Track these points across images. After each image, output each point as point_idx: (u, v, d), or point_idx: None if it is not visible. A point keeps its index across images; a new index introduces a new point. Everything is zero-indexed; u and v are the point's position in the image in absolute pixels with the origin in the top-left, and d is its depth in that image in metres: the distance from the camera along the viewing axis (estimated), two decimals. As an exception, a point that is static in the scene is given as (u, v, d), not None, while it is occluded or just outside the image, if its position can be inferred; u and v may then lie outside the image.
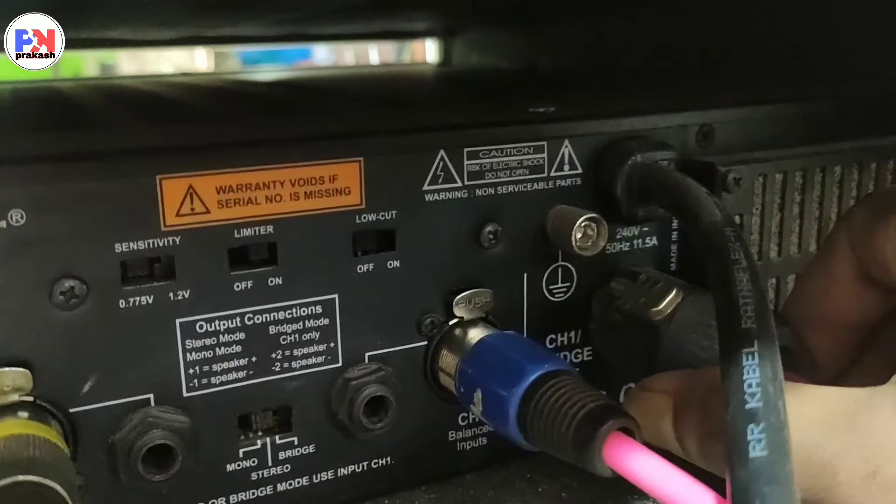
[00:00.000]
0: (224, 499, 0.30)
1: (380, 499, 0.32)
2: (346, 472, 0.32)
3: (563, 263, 0.34)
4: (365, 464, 0.32)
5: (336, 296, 0.30)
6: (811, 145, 0.36)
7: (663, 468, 0.23)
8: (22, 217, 0.26)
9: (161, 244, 0.27)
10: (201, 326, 0.29)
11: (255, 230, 0.29)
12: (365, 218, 0.30)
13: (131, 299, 0.27)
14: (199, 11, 0.65)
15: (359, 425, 0.30)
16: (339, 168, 0.29)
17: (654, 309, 0.31)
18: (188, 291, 0.28)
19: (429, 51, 1.04)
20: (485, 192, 0.32)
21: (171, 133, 0.31)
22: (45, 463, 0.24)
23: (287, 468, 0.31)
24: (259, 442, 0.30)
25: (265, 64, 1.29)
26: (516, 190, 0.32)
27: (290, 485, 0.31)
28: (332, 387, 0.31)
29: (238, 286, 0.29)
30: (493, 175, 0.32)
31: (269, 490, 0.31)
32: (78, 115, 0.34)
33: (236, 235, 0.28)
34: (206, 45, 1.02)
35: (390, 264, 0.31)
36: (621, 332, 0.33)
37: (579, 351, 0.35)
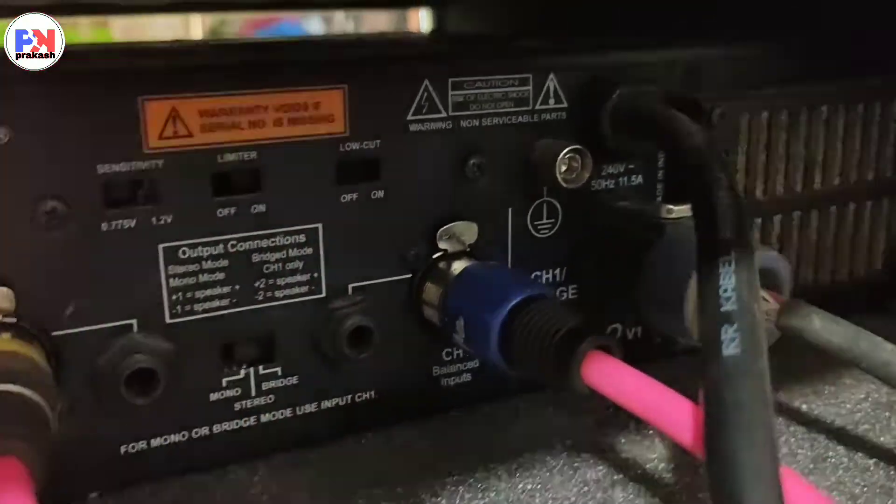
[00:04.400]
0: (207, 428, 0.30)
1: (363, 433, 0.32)
2: (329, 405, 0.32)
3: (548, 199, 0.34)
4: (349, 397, 0.32)
5: (319, 225, 0.30)
6: (798, 84, 0.36)
7: (641, 381, 0.23)
8: (5, 135, 0.25)
9: (144, 167, 0.27)
10: (184, 252, 0.29)
11: (238, 155, 0.29)
12: (349, 146, 0.30)
13: (114, 222, 0.27)
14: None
15: (342, 356, 0.31)
16: (323, 94, 0.29)
17: (666, 208, 0.31)
18: (171, 216, 0.28)
19: (423, 21, 1.03)
20: (469, 123, 0.32)
21: (154, 57, 0.30)
22: (25, 375, 0.24)
23: (271, 399, 0.31)
24: (242, 371, 0.30)
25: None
26: (501, 122, 0.32)
27: (274, 416, 0.31)
28: (315, 317, 0.31)
29: (221, 212, 0.29)
30: (477, 107, 0.32)
31: (252, 420, 0.31)
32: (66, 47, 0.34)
33: (220, 160, 0.28)
34: (198, 12, 1.02)
35: (374, 194, 0.31)
36: (619, 231, 0.32)
37: (564, 289, 0.35)
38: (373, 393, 0.33)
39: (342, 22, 1.32)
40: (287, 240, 0.30)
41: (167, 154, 0.28)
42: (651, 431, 0.31)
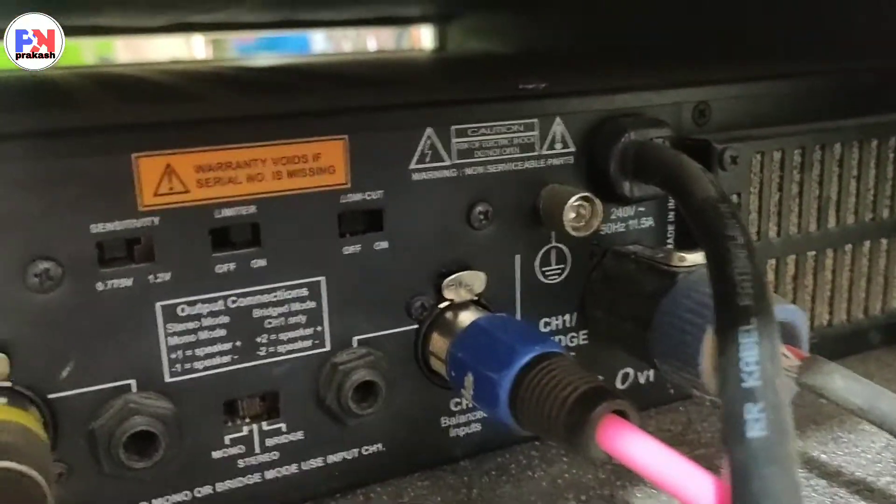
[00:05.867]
0: (210, 487, 0.29)
1: (372, 486, 0.32)
2: (336, 460, 0.31)
3: (556, 245, 0.33)
4: (356, 451, 0.31)
5: (322, 278, 0.29)
6: (810, 122, 0.35)
7: (660, 451, 0.22)
8: (-1, 195, 0.25)
9: (139, 225, 0.27)
10: (183, 310, 0.28)
11: (236, 210, 0.28)
12: (350, 198, 0.29)
13: (109, 282, 0.27)
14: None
15: (348, 411, 0.30)
16: (323, 146, 0.29)
17: (678, 255, 0.30)
18: (169, 274, 0.27)
19: (424, 37, 1.03)
20: (474, 171, 0.31)
21: (147, 110, 0.30)
22: (20, 449, 0.23)
23: (275, 455, 0.30)
24: (246, 429, 0.30)
25: (262, 52, 1.28)
26: (507, 169, 0.32)
27: (279, 472, 0.30)
28: (319, 372, 0.30)
29: (220, 268, 0.28)
30: (482, 153, 0.31)
31: (257, 478, 0.30)
32: (57, 96, 0.33)
33: (217, 216, 0.28)
34: (198, 32, 1.01)
35: (378, 245, 0.30)
36: (630, 278, 0.32)
37: (574, 335, 0.34)
38: (381, 446, 0.32)
39: (343, 36, 1.32)
40: (289, 294, 0.29)
41: (163, 211, 0.27)
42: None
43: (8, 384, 0.26)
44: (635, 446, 0.23)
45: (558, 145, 0.32)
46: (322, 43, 1.33)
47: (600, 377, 0.33)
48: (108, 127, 0.27)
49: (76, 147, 0.26)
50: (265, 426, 0.30)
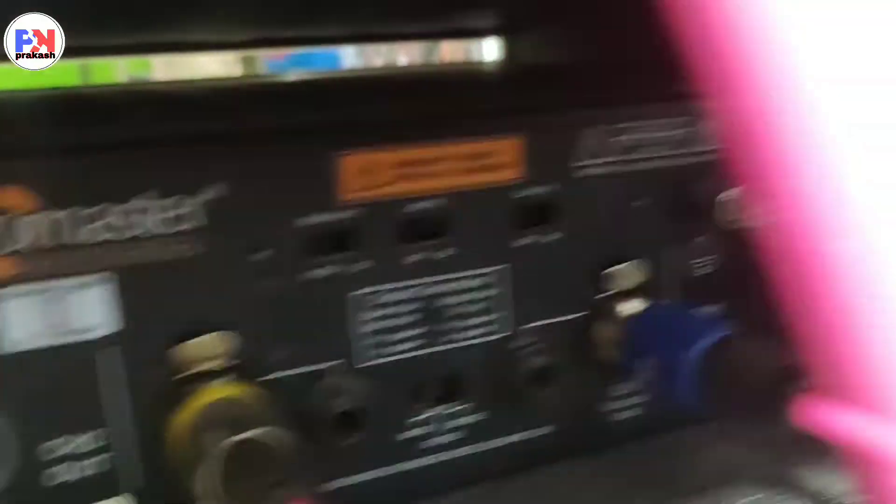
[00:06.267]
0: (395, 466, 0.31)
1: (542, 468, 0.33)
2: (510, 441, 0.33)
3: (709, 237, 0.35)
4: (529, 433, 0.33)
5: (500, 268, 0.31)
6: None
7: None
8: (225, 190, 0.27)
9: (340, 217, 0.28)
10: (376, 298, 0.30)
11: (425, 204, 0.30)
12: (526, 192, 0.31)
13: (313, 271, 0.28)
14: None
15: (525, 395, 0.31)
16: (502, 144, 0.30)
17: None
18: (364, 264, 0.29)
19: (487, 50, 1.04)
20: (636, 166, 0.33)
21: (350, 110, 0.32)
22: (262, 419, 0.25)
23: (456, 436, 0.32)
24: (430, 411, 0.31)
25: (294, 69, 1.27)
26: (665, 165, 0.33)
27: (459, 452, 0.32)
28: (499, 357, 0.32)
29: (409, 259, 0.30)
30: (644, 149, 0.33)
31: (440, 458, 0.32)
32: (257, 101, 0.36)
33: (408, 210, 0.29)
34: (279, 48, 1.03)
35: (551, 237, 0.32)
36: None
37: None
38: (551, 428, 0.33)
39: (375, 52, 1.32)
40: (472, 283, 0.31)
41: (360, 205, 0.29)
42: (831, 462, 0.31)
43: (237, 361, 0.28)
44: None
45: (710, 142, 0.34)
46: (352, 59, 1.33)
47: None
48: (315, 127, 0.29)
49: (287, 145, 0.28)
50: (449, 409, 0.32)
